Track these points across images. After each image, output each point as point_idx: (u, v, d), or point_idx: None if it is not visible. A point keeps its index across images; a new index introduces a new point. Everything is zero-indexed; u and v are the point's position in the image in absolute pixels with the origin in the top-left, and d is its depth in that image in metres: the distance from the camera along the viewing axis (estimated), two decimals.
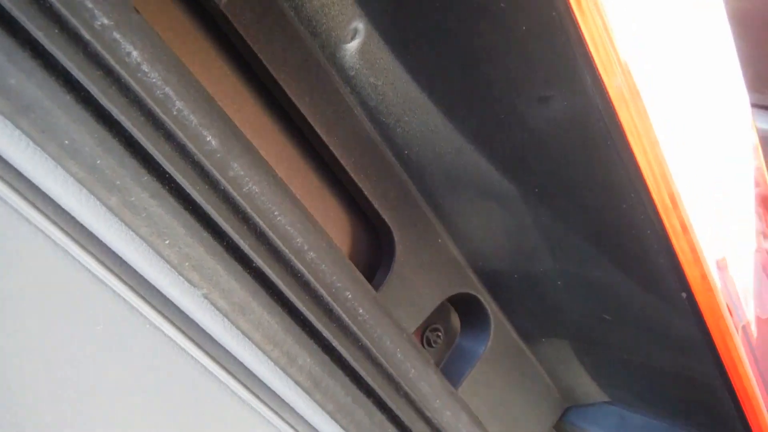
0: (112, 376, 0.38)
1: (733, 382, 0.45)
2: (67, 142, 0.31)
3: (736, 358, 0.42)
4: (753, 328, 0.47)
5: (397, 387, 0.47)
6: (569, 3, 0.29)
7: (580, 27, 0.30)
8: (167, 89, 0.32)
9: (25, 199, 0.33)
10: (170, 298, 0.38)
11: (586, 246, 0.45)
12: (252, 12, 0.40)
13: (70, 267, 0.35)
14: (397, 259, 0.51)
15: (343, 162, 0.47)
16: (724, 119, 0.46)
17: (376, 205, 0.49)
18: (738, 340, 0.42)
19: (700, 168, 0.40)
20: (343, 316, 0.42)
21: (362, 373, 0.45)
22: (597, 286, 0.48)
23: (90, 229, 0.35)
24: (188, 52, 0.41)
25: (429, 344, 0.60)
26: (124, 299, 0.37)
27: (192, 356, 0.41)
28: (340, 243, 0.52)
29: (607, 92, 0.31)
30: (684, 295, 0.39)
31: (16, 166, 0.32)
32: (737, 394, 0.46)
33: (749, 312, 0.47)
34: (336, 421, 0.45)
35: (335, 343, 0.43)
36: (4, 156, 0.31)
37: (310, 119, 0.44)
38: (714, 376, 0.46)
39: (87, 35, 0.30)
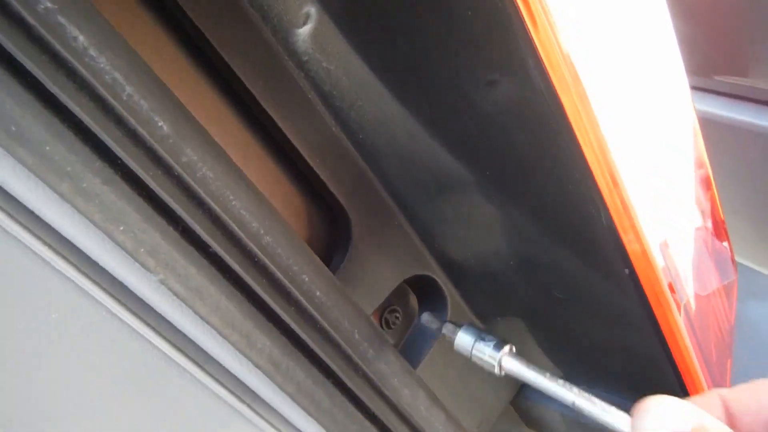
0: (68, 361, 0.38)
1: (674, 354, 0.47)
2: (13, 128, 0.31)
3: (676, 331, 0.44)
4: (692, 304, 0.50)
5: (355, 367, 0.48)
6: None
7: (521, 12, 0.31)
8: (116, 74, 0.32)
9: None
10: (126, 284, 0.38)
11: (535, 226, 0.47)
12: None
13: (23, 256, 0.35)
14: (354, 243, 0.52)
15: (298, 147, 0.47)
16: (664, 103, 0.48)
17: (332, 189, 0.50)
18: (678, 312, 0.44)
19: (640, 149, 0.42)
20: (301, 298, 0.43)
21: (321, 354, 0.45)
22: (547, 265, 0.50)
23: (42, 216, 0.34)
24: (137, 36, 0.40)
25: (388, 326, 0.61)
26: (79, 286, 0.37)
27: (150, 342, 0.41)
28: (297, 228, 0.53)
29: (549, 76, 0.32)
30: (627, 271, 0.41)
31: None
32: (678, 367, 0.49)
33: (689, 289, 0.50)
34: (296, 402, 0.46)
35: (293, 325, 0.43)
36: None
37: (264, 104, 0.44)
38: (657, 350, 0.48)
39: (30, 19, 0.29)
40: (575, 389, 0.41)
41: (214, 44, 0.41)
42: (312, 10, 0.42)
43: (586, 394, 0.40)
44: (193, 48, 0.43)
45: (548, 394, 0.42)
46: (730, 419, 0.37)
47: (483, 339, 0.48)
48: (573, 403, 0.41)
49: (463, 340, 0.49)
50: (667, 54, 0.46)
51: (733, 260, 0.61)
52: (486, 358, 0.47)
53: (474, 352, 0.48)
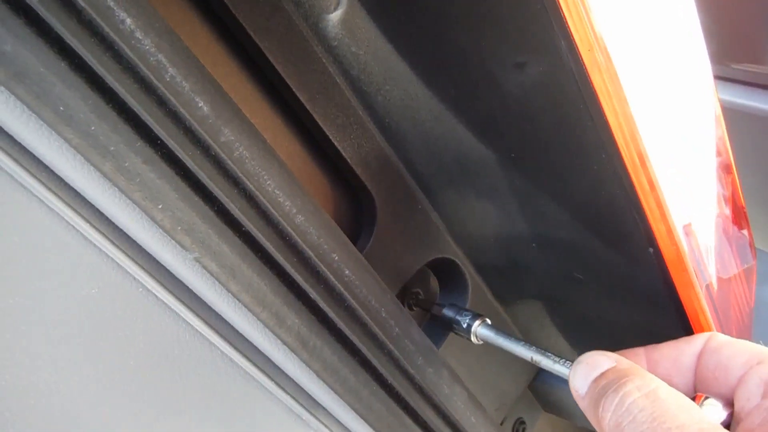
0: (106, 335, 0.40)
1: (695, 333, 0.48)
2: (62, 108, 0.32)
3: (699, 309, 0.45)
4: (715, 285, 0.51)
5: (381, 345, 0.49)
6: None
7: None
8: (160, 56, 0.33)
9: (21, 165, 0.34)
10: (162, 262, 0.39)
11: (560, 208, 0.47)
12: None
13: (66, 233, 0.36)
14: (378, 225, 0.53)
15: (325, 130, 0.48)
16: (689, 89, 0.49)
17: (358, 172, 0.51)
18: (701, 293, 0.45)
19: (667, 133, 0.43)
20: (330, 277, 0.44)
21: (348, 332, 0.46)
22: (569, 246, 0.51)
23: (84, 194, 0.36)
24: (176, 21, 0.41)
25: (410, 308, 0.63)
26: (117, 263, 0.39)
27: (183, 318, 0.42)
28: (325, 208, 0.54)
29: (581, 56, 0.33)
30: (651, 250, 0.41)
31: (11, 133, 0.33)
32: None
33: (712, 270, 0.50)
34: (322, 379, 0.47)
35: (322, 303, 0.44)
36: (0, 123, 0.32)
37: (293, 87, 0.45)
38: (678, 330, 0.49)
39: (81, 2, 0.30)
40: (533, 348, 0.49)
41: (247, 28, 0.42)
42: None
43: (541, 350, 0.48)
44: (227, 32, 0.44)
45: (512, 353, 0.51)
46: (651, 365, 0.44)
47: (461, 314, 0.57)
48: (531, 358, 0.49)
49: (447, 315, 0.58)
50: (693, 40, 0.46)
51: (752, 245, 0.61)
52: (464, 328, 0.56)
53: (454, 325, 0.57)
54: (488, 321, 0.56)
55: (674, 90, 0.46)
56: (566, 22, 0.32)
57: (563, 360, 0.46)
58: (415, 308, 0.63)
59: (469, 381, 0.65)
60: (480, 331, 0.55)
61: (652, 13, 0.42)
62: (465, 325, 0.55)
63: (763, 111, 1.08)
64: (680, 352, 0.44)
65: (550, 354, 0.47)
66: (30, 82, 0.31)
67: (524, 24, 0.35)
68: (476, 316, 0.56)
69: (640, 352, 0.45)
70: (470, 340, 0.56)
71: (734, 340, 0.43)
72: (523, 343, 0.50)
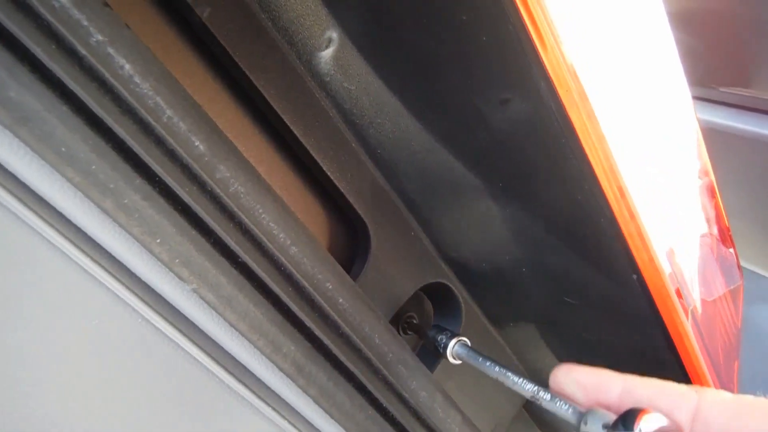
0: (107, 366, 0.41)
1: (682, 357, 0.49)
2: (63, 149, 0.33)
3: (684, 335, 0.46)
4: (699, 309, 0.52)
5: (375, 371, 0.50)
6: (523, 18, 0.32)
7: (533, 39, 0.33)
8: (158, 99, 0.35)
9: (24, 204, 0.35)
10: (161, 293, 0.40)
11: (547, 235, 0.49)
12: (232, 23, 0.43)
13: (68, 267, 0.37)
14: (372, 252, 0.54)
15: (320, 162, 0.50)
16: (668, 115, 0.50)
17: (352, 202, 0.52)
18: (685, 316, 0.46)
19: (646, 160, 0.44)
20: (325, 305, 0.45)
21: (343, 358, 0.47)
22: (558, 272, 0.52)
23: (85, 230, 0.37)
24: (174, 62, 0.43)
25: (404, 332, 0.64)
26: (117, 296, 0.40)
27: (182, 347, 0.43)
28: (319, 238, 0.55)
29: (559, 96, 0.34)
30: (635, 276, 0.43)
31: (15, 173, 0.34)
32: (686, 369, 0.51)
33: (696, 294, 0.52)
34: (319, 404, 0.48)
35: (317, 331, 0.45)
36: (4, 164, 0.33)
37: (288, 122, 0.47)
38: (665, 353, 0.50)
39: (83, 50, 0.32)
40: (497, 367, 0.50)
41: (243, 67, 0.44)
42: (334, 34, 0.45)
43: (503, 370, 0.49)
44: (223, 71, 0.46)
45: (482, 370, 0.52)
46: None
47: (441, 334, 0.59)
48: (497, 379, 0.50)
49: (429, 336, 0.60)
50: (669, 68, 0.48)
51: (738, 265, 0.62)
52: (442, 347, 0.58)
53: (436, 346, 0.59)
54: (466, 341, 0.57)
55: (653, 120, 0.47)
56: (544, 64, 0.33)
57: (521, 378, 0.47)
58: (409, 332, 0.64)
59: (464, 403, 0.66)
60: (456, 350, 0.57)
61: (629, 48, 0.43)
62: (443, 345, 0.57)
63: (749, 132, 1.10)
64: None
65: (510, 373, 0.48)
66: (33, 126, 0.32)
67: (507, 64, 0.36)
68: (453, 335, 0.57)
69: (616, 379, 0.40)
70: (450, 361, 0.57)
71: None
72: (493, 362, 0.51)
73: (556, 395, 0.41)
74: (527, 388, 0.45)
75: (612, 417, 0.37)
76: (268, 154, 0.50)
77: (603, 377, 0.40)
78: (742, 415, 0.35)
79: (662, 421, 0.35)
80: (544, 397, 0.43)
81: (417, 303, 0.65)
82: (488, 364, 0.51)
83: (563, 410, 0.40)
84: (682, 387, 0.38)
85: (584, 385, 0.39)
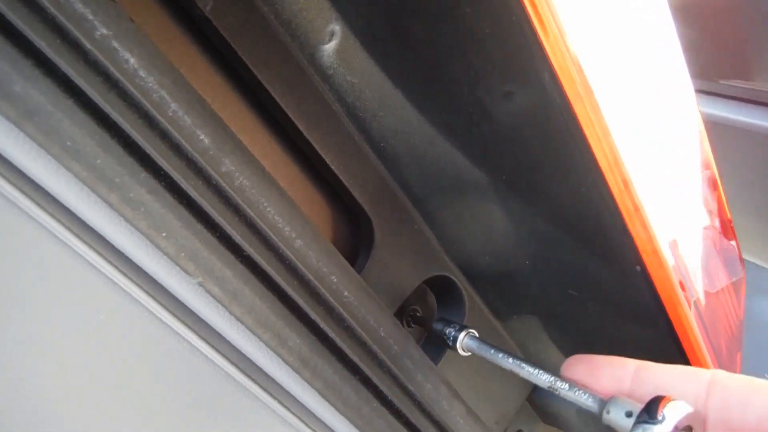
0: (113, 359, 0.41)
1: (685, 349, 0.49)
2: (69, 143, 0.33)
3: (687, 326, 0.46)
4: (702, 300, 0.52)
5: (380, 364, 0.50)
6: (526, 9, 0.32)
7: (536, 28, 0.33)
8: (163, 92, 0.35)
9: (30, 198, 0.35)
10: (167, 287, 0.40)
11: (551, 227, 0.49)
12: (234, 17, 0.43)
13: (74, 262, 0.38)
14: (376, 245, 0.54)
15: (323, 155, 0.50)
16: (671, 107, 0.50)
17: (355, 195, 0.52)
18: (688, 308, 0.46)
19: (649, 153, 0.44)
20: (330, 298, 0.45)
21: (348, 351, 0.48)
22: (562, 265, 0.52)
23: (91, 224, 0.37)
24: (177, 56, 0.43)
25: (408, 325, 0.64)
26: (123, 290, 0.40)
27: (188, 341, 0.43)
28: (324, 231, 0.55)
29: (563, 88, 0.35)
30: (638, 268, 0.43)
31: (21, 168, 0.34)
32: (689, 361, 0.51)
33: (699, 286, 0.52)
34: (324, 397, 0.48)
35: (322, 324, 0.46)
36: (10, 158, 0.34)
37: (291, 116, 0.47)
38: (669, 344, 0.50)
39: (88, 44, 0.32)
40: (511, 358, 0.49)
41: (246, 61, 0.44)
42: (336, 27, 0.45)
43: (518, 361, 0.49)
44: (226, 65, 0.46)
45: (497, 364, 0.51)
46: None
47: (448, 326, 0.58)
48: (511, 370, 0.49)
49: (436, 329, 0.60)
50: (672, 60, 0.48)
51: (740, 258, 0.62)
52: (451, 340, 0.57)
53: (444, 339, 0.58)
54: (475, 333, 0.57)
55: (656, 113, 0.47)
56: (548, 56, 0.33)
57: (531, 366, 0.47)
58: (413, 325, 0.64)
59: (468, 395, 0.66)
60: (466, 342, 0.56)
61: (632, 40, 0.43)
62: (452, 337, 0.57)
63: (750, 125, 1.10)
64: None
65: (524, 364, 0.48)
66: (39, 120, 0.32)
67: (510, 56, 0.36)
68: (462, 328, 0.57)
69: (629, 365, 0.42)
70: (459, 353, 0.57)
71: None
72: (507, 354, 0.51)
73: (575, 384, 0.41)
74: (544, 378, 0.45)
75: (633, 404, 0.37)
76: (272, 147, 0.50)
77: (615, 364, 0.40)
78: (759, 391, 0.36)
79: (686, 409, 0.35)
80: (562, 387, 0.43)
81: (421, 296, 0.65)
82: (501, 355, 0.51)
83: (583, 399, 0.40)
84: (695, 368, 0.39)
85: (598, 373, 0.40)
